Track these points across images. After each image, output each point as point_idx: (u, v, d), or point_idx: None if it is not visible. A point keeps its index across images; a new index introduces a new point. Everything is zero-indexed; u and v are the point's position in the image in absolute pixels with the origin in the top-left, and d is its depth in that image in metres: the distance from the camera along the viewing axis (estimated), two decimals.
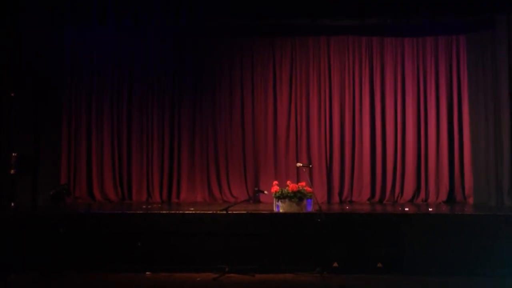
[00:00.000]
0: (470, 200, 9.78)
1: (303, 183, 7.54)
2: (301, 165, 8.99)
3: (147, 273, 6.45)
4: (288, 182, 7.45)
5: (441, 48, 10.27)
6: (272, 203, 7.50)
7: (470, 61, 9.99)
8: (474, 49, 9.93)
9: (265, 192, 7.67)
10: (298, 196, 7.19)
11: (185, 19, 9.00)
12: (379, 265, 6.42)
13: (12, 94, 8.53)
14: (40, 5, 8.95)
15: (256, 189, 9.45)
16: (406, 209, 8.18)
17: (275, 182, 7.61)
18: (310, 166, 9.22)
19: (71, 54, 10.17)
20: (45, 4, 8.95)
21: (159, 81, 10.45)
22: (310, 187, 7.48)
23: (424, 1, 8.95)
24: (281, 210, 7.22)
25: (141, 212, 7.45)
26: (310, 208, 7.27)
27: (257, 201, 9.77)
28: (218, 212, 6.84)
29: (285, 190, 7.28)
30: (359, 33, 10.37)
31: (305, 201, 7.24)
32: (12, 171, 8.37)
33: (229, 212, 6.75)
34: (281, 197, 7.25)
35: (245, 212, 7.16)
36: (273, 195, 7.43)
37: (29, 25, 8.91)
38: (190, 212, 7.28)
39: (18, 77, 8.83)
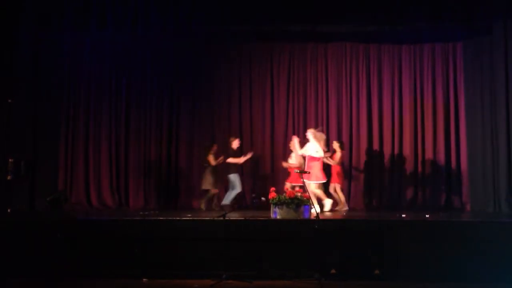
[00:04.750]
0: (467, 207, 9.79)
1: (300, 190, 7.53)
2: (299, 171, 9.00)
3: (144, 279, 6.41)
4: (285, 188, 7.45)
5: (438, 55, 10.33)
6: (270, 210, 7.50)
7: (467, 67, 10.04)
8: (471, 56, 9.98)
9: (263, 198, 7.66)
10: (295, 203, 7.19)
11: (183, 24, 9.03)
12: (376, 271, 6.41)
13: (10, 100, 8.52)
14: (39, 12, 8.97)
15: (254, 195, 9.46)
16: (403, 215, 8.17)
17: (273, 189, 7.60)
18: (308, 172, 9.21)
19: (70, 60, 10.19)
20: (44, 11, 8.96)
21: (157, 87, 10.47)
22: (308, 194, 7.48)
23: (422, 9, 9.00)
24: (278, 217, 7.22)
25: (138, 218, 7.43)
26: (307, 215, 7.27)
27: (254, 207, 9.76)
28: (216, 218, 6.83)
29: (283, 196, 7.28)
30: (357, 40, 10.43)
31: (302, 208, 7.24)
32: (8, 177, 8.36)
33: (227, 218, 6.74)
34: (278, 203, 7.24)
35: (242, 218, 7.14)
36: (270, 201, 7.42)
37: (28, 32, 8.93)
38: (188, 218, 7.26)
39: (16, 83, 8.84)
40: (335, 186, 9.44)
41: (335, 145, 9.67)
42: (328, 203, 8.83)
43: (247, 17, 9.16)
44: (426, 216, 8.06)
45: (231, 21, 9.19)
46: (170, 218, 7.38)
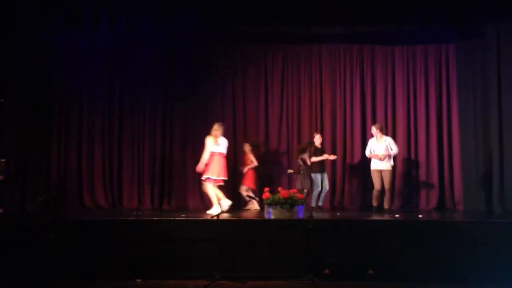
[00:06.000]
0: (460, 207, 9.84)
1: (295, 190, 7.53)
2: (292, 171, 9.01)
3: (137, 280, 6.39)
4: (279, 189, 7.44)
5: (431, 57, 10.38)
6: (264, 210, 7.50)
7: (460, 69, 10.09)
8: (463, 58, 10.04)
9: (257, 198, 7.66)
10: (289, 203, 7.19)
11: (178, 25, 9.02)
12: (370, 271, 6.42)
13: (2, 100, 8.47)
14: (35, 12, 8.94)
15: (248, 195, 9.45)
16: (397, 216, 8.20)
17: (266, 189, 7.60)
18: (301, 172, 9.22)
19: (63, 60, 10.12)
20: (39, 11, 8.93)
21: (151, 87, 10.44)
22: (302, 194, 7.48)
23: (415, 11, 9.04)
24: (272, 217, 7.21)
25: (131, 218, 7.41)
26: (301, 215, 7.27)
27: (248, 207, 9.75)
28: (209, 218, 6.82)
29: (276, 196, 7.28)
30: (351, 41, 10.46)
31: (296, 208, 7.24)
32: (0, 177, 8.31)
33: (220, 218, 6.73)
34: (272, 203, 7.24)
35: (236, 218, 7.13)
36: (264, 201, 7.42)
37: (24, 32, 8.90)
38: (181, 218, 7.25)
39: (9, 83, 8.79)
40: (246, 188, 9.46)
41: (246, 147, 9.67)
42: (225, 203, 8.49)
43: (241, 17, 9.16)
44: (419, 216, 8.08)
45: (226, 21, 9.18)
46: (164, 218, 7.37)
